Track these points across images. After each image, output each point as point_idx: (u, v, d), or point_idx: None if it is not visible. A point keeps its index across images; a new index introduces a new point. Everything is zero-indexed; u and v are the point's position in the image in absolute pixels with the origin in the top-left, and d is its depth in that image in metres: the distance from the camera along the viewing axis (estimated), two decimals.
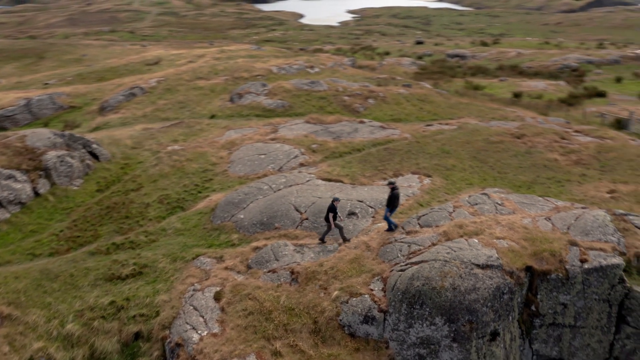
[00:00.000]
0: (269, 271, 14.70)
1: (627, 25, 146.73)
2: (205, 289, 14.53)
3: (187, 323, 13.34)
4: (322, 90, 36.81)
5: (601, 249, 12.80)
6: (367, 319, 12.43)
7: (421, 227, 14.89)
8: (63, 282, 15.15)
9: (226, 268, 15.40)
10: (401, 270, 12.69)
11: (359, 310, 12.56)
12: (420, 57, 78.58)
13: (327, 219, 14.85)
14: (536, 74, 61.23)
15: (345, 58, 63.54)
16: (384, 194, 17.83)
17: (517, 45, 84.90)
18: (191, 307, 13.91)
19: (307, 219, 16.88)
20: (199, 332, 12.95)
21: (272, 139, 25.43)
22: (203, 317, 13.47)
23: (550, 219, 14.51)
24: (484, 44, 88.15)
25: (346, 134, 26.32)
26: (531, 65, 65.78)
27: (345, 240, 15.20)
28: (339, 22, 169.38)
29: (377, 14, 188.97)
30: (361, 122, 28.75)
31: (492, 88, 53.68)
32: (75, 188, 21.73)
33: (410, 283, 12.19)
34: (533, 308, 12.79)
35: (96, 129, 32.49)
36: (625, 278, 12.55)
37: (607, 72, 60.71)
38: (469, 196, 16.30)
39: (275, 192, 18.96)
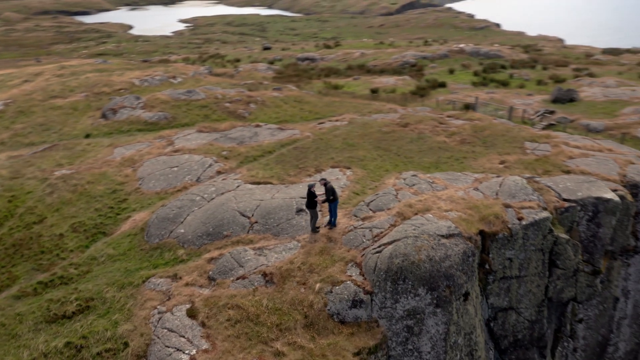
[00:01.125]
0: (237, 278, 14.47)
1: (438, 24, 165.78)
2: (173, 309, 13.83)
3: (168, 346, 12.63)
4: (201, 98, 36.10)
5: (530, 207, 15.05)
6: (355, 303, 13.04)
7: (373, 212, 15.91)
8: None
9: (187, 284, 14.78)
10: (377, 252, 13.53)
11: (346, 296, 13.12)
12: (271, 62, 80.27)
13: (310, 205, 15.04)
14: (382, 71, 66.66)
15: (200, 67, 62.67)
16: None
17: (357, 46, 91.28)
18: (165, 330, 13.16)
19: (256, 222, 16.83)
20: (187, 351, 12.38)
21: (175, 151, 24.46)
22: (184, 336, 12.86)
23: (478, 189, 16.55)
24: (328, 46, 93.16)
25: (248, 139, 26.35)
26: (376, 63, 71.43)
27: (315, 230, 15.56)
28: (173, 32, 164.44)
29: (211, 23, 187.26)
30: (257, 125, 28.97)
31: (350, 86, 57.23)
32: None
33: (390, 262, 13.09)
34: (487, 266, 14.56)
35: None
36: (552, 228, 14.93)
37: (440, 65, 68.49)
38: (404, 179, 17.76)
39: (209, 201, 18.47)
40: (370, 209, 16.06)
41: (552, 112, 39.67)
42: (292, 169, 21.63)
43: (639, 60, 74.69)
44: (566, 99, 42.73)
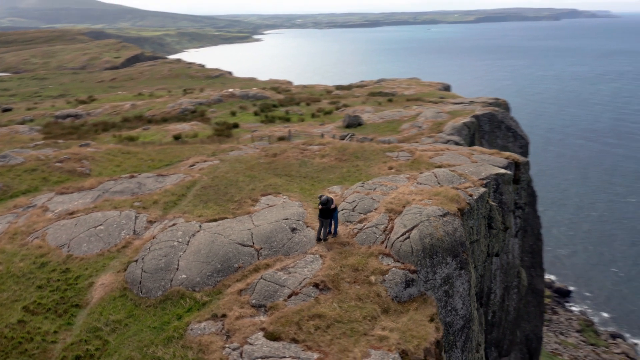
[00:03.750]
0: (289, 297, 15.12)
1: (174, 75, 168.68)
2: (248, 341, 13.77)
3: None
4: (21, 162, 31.71)
5: (469, 187, 19.76)
6: (408, 283, 15.40)
7: (364, 214, 18.35)
8: None
9: (238, 318, 14.70)
10: (406, 238, 16.19)
11: (398, 280, 15.36)
12: (22, 123, 70.87)
13: (326, 215, 16.37)
14: (165, 120, 66.24)
15: None
16: (285, 209, 19.90)
17: (116, 99, 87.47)
18: (259, 359, 13.16)
19: (261, 248, 17.30)
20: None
21: (71, 214, 21.84)
22: (285, 356, 13.15)
23: (421, 183, 20.59)
24: (83, 102, 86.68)
25: (138, 189, 25.03)
26: (153, 113, 70.41)
27: (325, 239, 17.00)
28: None
29: None
30: (132, 176, 27.44)
31: (145, 137, 55.75)
32: None
33: (423, 242, 15.92)
34: None
35: None
36: (487, 199, 19.92)
37: (219, 109, 71.76)
38: (362, 185, 20.56)
39: (188, 244, 17.87)
40: (360, 213, 18.44)
41: (353, 135, 47.13)
42: (228, 203, 22.04)
43: (368, 92, 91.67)
44: (355, 123, 51.13)
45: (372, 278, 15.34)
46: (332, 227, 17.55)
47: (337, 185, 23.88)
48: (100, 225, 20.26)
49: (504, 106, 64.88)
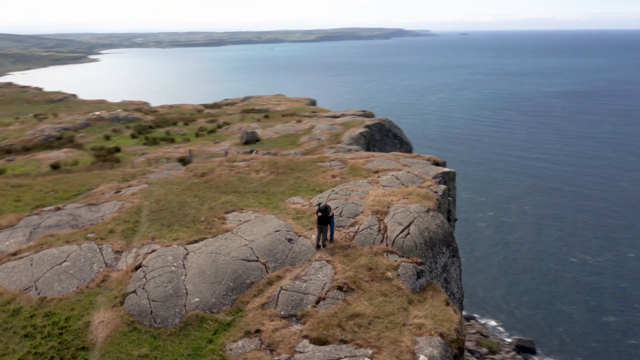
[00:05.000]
0: (317, 302, 15.47)
1: (8, 100, 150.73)
2: (295, 355, 13.89)
3: None
4: None
5: (431, 185, 21.85)
6: (419, 275, 16.72)
7: (353, 218, 19.29)
8: None
9: (274, 330, 14.66)
10: (407, 234, 17.53)
11: (410, 273, 16.60)
12: None
13: (325, 222, 16.86)
14: (28, 149, 59.39)
15: None
16: (267, 223, 19.99)
17: None
18: None
19: (267, 261, 17.23)
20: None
21: (14, 254, 19.34)
22: (344, 358, 13.57)
23: (385, 186, 22.17)
24: None
25: (76, 220, 22.85)
26: (11, 142, 62.56)
27: (324, 245, 17.56)
28: None
29: None
30: (58, 208, 24.85)
31: (14, 168, 49.74)
32: None
33: (423, 236, 17.41)
34: None
35: None
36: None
37: (90, 134, 66.33)
38: (334, 192, 21.40)
39: (184, 267, 17.08)
40: (348, 217, 19.33)
41: (257, 150, 47.38)
42: (195, 224, 21.33)
43: (240, 109, 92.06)
44: (253, 139, 51.43)
45: (389, 274, 16.37)
46: (329, 233, 18.20)
47: (295, 196, 24.40)
48: (65, 261, 18.29)
49: (370, 116, 70.11)
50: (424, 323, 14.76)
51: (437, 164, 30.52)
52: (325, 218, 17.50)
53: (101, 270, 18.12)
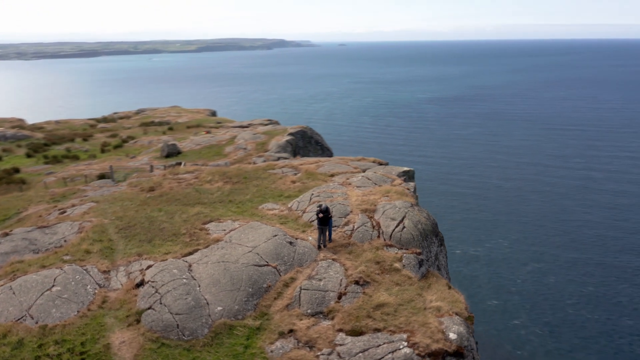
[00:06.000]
0: (339, 298, 16.19)
1: None
2: (336, 348, 14.54)
3: None
4: None
5: (400, 183, 23.48)
6: (420, 264, 18.11)
7: (344, 217, 20.20)
8: None
9: (308, 328, 15.14)
10: (403, 228, 18.86)
11: (413, 262, 17.94)
12: None
13: (325, 222, 17.59)
14: None
15: None
16: (257, 229, 20.20)
17: None
18: None
19: (277, 265, 17.49)
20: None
21: None
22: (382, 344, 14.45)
23: (359, 186, 23.39)
24: None
25: (35, 244, 21.14)
26: None
27: (325, 246, 18.32)
28: None
29: None
30: (6, 234, 22.68)
31: None
32: None
33: (417, 229, 18.86)
34: None
35: None
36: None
37: None
38: (315, 195, 22.10)
39: (194, 279, 16.79)
40: (340, 217, 20.18)
41: (179, 163, 46.07)
42: (178, 237, 20.84)
43: (139, 122, 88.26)
44: (175, 152, 49.95)
45: (397, 265, 17.55)
46: (328, 233, 18.96)
47: (266, 203, 24.66)
48: (54, 286, 17.01)
49: (277, 125, 71.14)
50: (440, 305, 16.12)
51: (381, 164, 32.41)
52: (326, 219, 18.25)
53: (96, 291, 17.14)
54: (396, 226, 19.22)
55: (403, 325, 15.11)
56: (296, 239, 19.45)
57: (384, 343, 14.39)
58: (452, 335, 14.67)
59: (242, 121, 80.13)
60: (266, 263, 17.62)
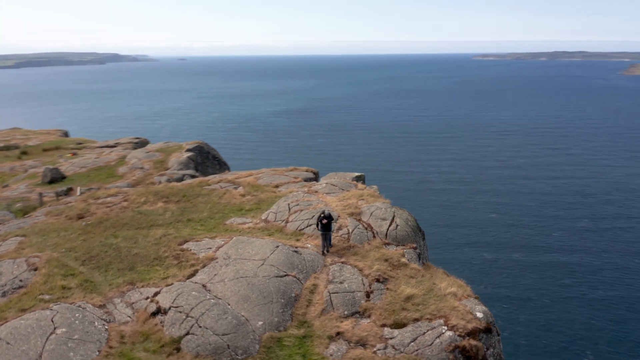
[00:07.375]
0: (367, 297, 16.88)
1: None
2: (388, 341, 15.30)
3: None
4: None
5: (365, 187, 24.85)
6: (419, 257, 19.58)
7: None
8: None
9: (353, 328, 15.58)
10: (396, 226, 20.18)
11: (414, 257, 19.35)
12: None
13: (329, 228, 18.22)
14: None
15: None
16: (251, 243, 19.90)
17: None
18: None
19: (295, 273, 17.48)
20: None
21: None
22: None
23: (329, 193, 24.20)
24: None
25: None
26: None
27: (328, 251, 18.89)
28: None
29: None
30: None
31: None
32: None
33: (408, 225, 20.34)
34: None
35: None
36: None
37: None
38: (294, 205, 22.28)
39: (220, 298, 16.07)
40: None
41: (71, 188, 41.65)
42: (164, 260, 19.54)
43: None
44: (59, 177, 45.03)
45: (404, 260, 18.77)
46: (329, 239, 19.51)
47: (231, 218, 24.04)
48: (58, 328, 14.98)
49: (146, 143, 67.78)
50: (454, 291, 17.74)
51: (314, 173, 33.41)
52: (329, 224, 18.81)
53: (107, 326, 15.50)
54: (389, 225, 20.46)
55: (436, 312, 16.36)
56: (296, 247, 19.60)
57: (428, 330, 15.49)
58: (479, 314, 16.33)
59: (107, 140, 74.82)
60: (285, 273, 17.56)
